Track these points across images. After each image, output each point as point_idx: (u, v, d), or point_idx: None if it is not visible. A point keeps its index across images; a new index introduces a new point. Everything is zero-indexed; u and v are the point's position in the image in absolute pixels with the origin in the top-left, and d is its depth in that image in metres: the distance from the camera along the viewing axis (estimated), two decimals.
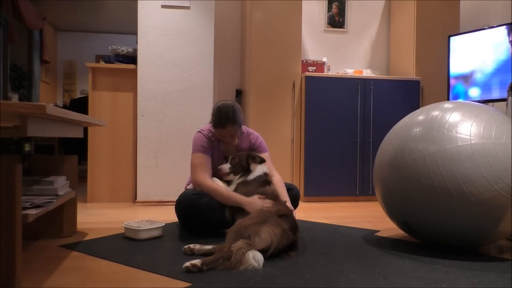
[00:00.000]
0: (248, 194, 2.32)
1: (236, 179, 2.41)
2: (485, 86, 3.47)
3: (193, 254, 1.92)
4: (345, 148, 4.02)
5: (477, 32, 3.61)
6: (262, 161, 2.45)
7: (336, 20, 4.62)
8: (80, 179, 2.81)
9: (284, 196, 2.37)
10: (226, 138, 2.48)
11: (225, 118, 2.41)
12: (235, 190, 2.38)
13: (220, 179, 2.49)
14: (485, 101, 3.49)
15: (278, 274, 1.70)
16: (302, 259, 1.93)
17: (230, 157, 2.44)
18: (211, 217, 2.32)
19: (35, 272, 1.75)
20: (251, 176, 2.39)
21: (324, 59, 4.28)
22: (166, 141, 3.69)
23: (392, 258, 1.98)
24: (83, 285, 1.62)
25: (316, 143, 3.97)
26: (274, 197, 2.28)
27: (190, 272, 1.68)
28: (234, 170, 2.41)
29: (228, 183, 2.47)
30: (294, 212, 2.31)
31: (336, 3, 4.60)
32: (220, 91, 4.29)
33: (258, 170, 2.41)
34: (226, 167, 2.42)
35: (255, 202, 2.21)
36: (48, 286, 1.59)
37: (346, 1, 4.62)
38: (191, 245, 1.96)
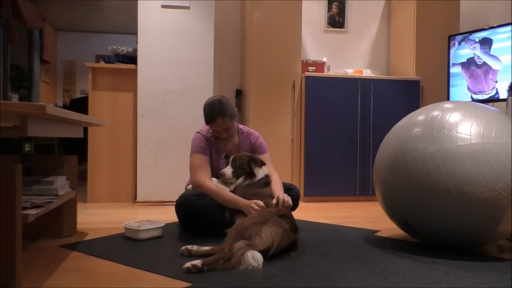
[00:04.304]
0: (247, 194, 2.32)
1: (241, 183, 2.38)
2: None
3: (190, 255, 1.92)
4: (345, 148, 4.02)
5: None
6: (262, 163, 2.45)
7: (336, 20, 4.62)
8: (80, 179, 2.81)
9: (278, 191, 2.34)
10: (221, 133, 2.48)
11: (213, 112, 2.42)
12: (234, 190, 2.38)
13: (219, 178, 2.49)
14: (485, 101, 3.49)
15: (278, 274, 1.70)
16: (302, 259, 1.93)
17: (231, 159, 2.43)
18: (211, 218, 2.32)
19: (35, 272, 1.75)
20: (255, 180, 2.38)
21: (324, 59, 4.28)
22: (166, 141, 3.69)
23: (392, 258, 1.98)
24: (83, 285, 1.62)
25: (316, 143, 3.97)
26: (272, 197, 2.28)
27: (190, 273, 1.68)
28: (236, 174, 2.40)
29: (227, 182, 2.47)
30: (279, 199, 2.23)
31: (336, 3, 4.60)
32: (220, 91, 4.29)
33: (260, 173, 2.41)
34: (228, 172, 2.38)
35: (253, 207, 2.21)
36: (48, 286, 1.59)
37: (346, 1, 4.62)
38: (189, 246, 1.96)
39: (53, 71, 7.60)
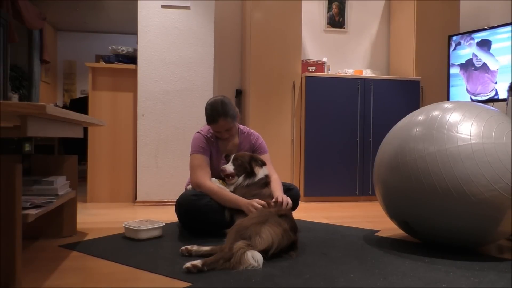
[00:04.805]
0: (247, 194, 2.31)
1: (241, 182, 2.39)
2: None
3: (190, 255, 1.92)
4: (345, 148, 4.02)
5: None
6: (263, 164, 2.45)
7: (336, 20, 4.62)
8: (80, 179, 2.81)
9: (277, 191, 2.34)
10: (223, 133, 2.48)
11: (215, 112, 2.42)
12: (234, 191, 2.38)
13: (219, 179, 2.49)
14: (485, 101, 3.49)
15: (278, 274, 1.70)
16: (302, 259, 1.93)
17: (232, 157, 2.43)
18: (211, 218, 2.31)
19: (35, 272, 1.75)
20: (255, 179, 2.38)
21: (324, 59, 4.28)
22: (166, 141, 3.69)
23: (392, 258, 1.98)
24: (83, 285, 1.62)
25: (316, 143, 3.97)
26: (272, 198, 2.28)
27: (190, 273, 1.68)
28: (237, 172, 2.40)
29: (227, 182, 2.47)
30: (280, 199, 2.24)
31: (336, 3, 4.60)
32: (220, 91, 4.29)
33: (260, 173, 2.41)
34: (229, 168, 2.38)
35: (255, 205, 2.20)
36: (48, 286, 1.59)
37: (346, 1, 4.62)
38: (189, 246, 1.96)
39: (53, 71, 7.60)
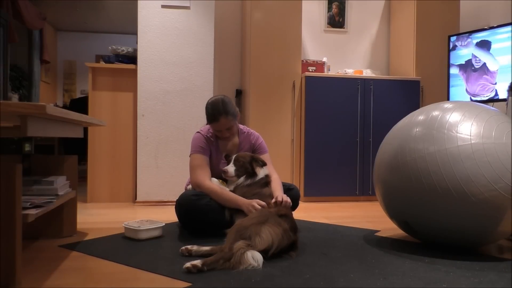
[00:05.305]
0: (247, 193, 2.32)
1: (242, 182, 2.39)
2: None
3: (190, 255, 1.92)
4: (345, 148, 4.02)
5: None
6: (264, 164, 2.45)
7: (336, 20, 4.62)
8: (80, 179, 2.81)
9: (278, 191, 2.34)
10: (223, 132, 2.48)
11: (217, 111, 2.43)
12: (234, 190, 2.38)
13: (219, 178, 2.49)
14: (485, 101, 3.49)
15: (278, 274, 1.70)
16: (302, 259, 1.93)
17: (233, 158, 2.43)
18: (211, 218, 2.31)
19: (35, 272, 1.75)
20: (255, 179, 2.39)
21: (324, 59, 4.28)
22: (166, 141, 3.69)
23: (392, 258, 1.98)
24: (83, 285, 1.62)
25: (316, 143, 3.97)
26: (272, 197, 2.28)
27: (190, 273, 1.68)
28: (238, 173, 2.40)
29: (226, 181, 2.47)
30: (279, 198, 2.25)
31: (336, 3, 4.60)
32: (220, 91, 4.29)
33: (261, 173, 2.41)
34: (231, 170, 2.38)
35: (255, 206, 2.21)
36: (48, 286, 1.59)
37: (346, 1, 4.62)
38: (189, 246, 1.95)
39: (53, 71, 7.60)
